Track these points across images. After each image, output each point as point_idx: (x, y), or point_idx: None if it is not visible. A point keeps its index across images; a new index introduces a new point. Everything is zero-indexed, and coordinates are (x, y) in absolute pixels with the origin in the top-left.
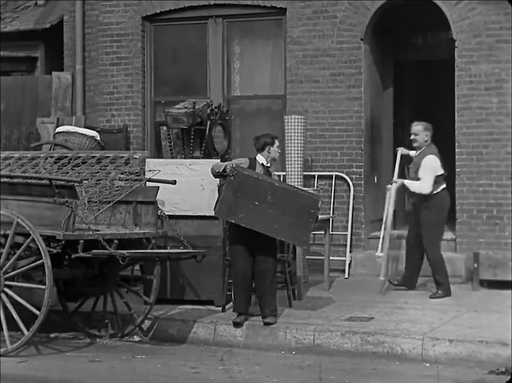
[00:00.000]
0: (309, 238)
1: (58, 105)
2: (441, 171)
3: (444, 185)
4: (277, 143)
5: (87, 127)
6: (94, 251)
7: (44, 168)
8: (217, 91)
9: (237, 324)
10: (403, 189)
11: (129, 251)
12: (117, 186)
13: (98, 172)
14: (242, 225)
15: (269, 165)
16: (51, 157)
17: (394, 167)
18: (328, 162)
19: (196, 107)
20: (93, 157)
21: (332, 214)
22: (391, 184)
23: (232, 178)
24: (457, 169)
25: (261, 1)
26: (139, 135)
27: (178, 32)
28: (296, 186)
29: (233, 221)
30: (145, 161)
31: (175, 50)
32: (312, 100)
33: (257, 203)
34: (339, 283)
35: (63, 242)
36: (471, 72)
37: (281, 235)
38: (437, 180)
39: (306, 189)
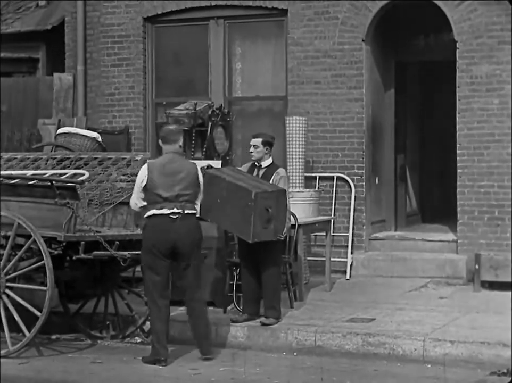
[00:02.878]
0: (253, 231)
1: (60, 106)
2: None
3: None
4: (251, 141)
5: (88, 129)
6: (95, 252)
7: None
8: (218, 92)
9: (234, 321)
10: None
11: (130, 252)
12: (119, 188)
13: (100, 173)
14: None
15: (261, 164)
16: (53, 158)
17: (395, 169)
18: (329, 163)
19: (197, 108)
20: (94, 158)
21: (334, 215)
22: None
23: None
24: (458, 171)
25: (262, 2)
26: (141, 136)
27: (179, 33)
28: (260, 180)
29: (209, 220)
30: (145, 162)
31: (176, 51)
32: (313, 101)
33: (219, 200)
34: (340, 284)
35: (64, 243)
36: (472, 73)
37: (234, 230)
38: None
39: (268, 183)
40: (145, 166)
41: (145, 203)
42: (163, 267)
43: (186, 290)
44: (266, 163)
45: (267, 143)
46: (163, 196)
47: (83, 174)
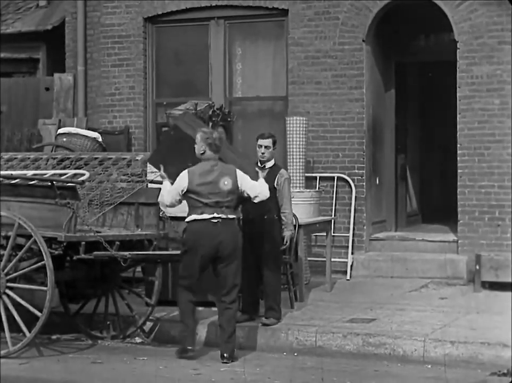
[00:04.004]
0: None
1: (60, 106)
2: None
3: None
4: (261, 142)
5: (89, 129)
6: (95, 253)
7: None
8: (219, 92)
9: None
10: None
11: (130, 252)
12: (119, 188)
13: (100, 173)
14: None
15: (265, 165)
16: (54, 158)
17: (396, 169)
18: (329, 163)
19: (197, 109)
20: (95, 158)
21: (334, 216)
22: None
23: (172, 132)
24: (459, 171)
25: (262, 3)
26: (141, 136)
27: (179, 34)
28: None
29: (161, 171)
30: (146, 162)
31: (177, 52)
32: (313, 102)
33: (190, 164)
34: (341, 284)
35: (65, 243)
36: (473, 73)
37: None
38: None
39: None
40: (185, 174)
41: (178, 203)
42: (198, 267)
43: (222, 289)
44: (270, 163)
45: (275, 143)
46: (203, 202)
47: (83, 174)
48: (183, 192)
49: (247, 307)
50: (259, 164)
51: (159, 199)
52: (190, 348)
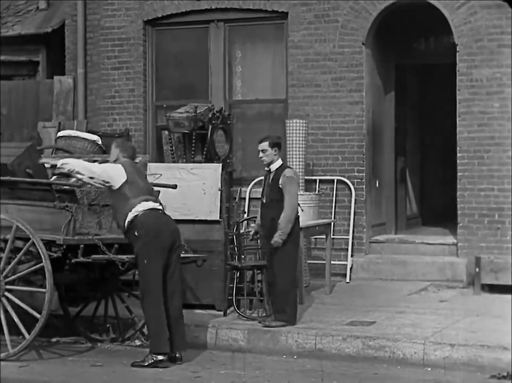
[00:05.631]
0: None
1: (60, 109)
2: None
3: None
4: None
5: (89, 132)
6: (93, 256)
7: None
8: (218, 95)
9: (266, 326)
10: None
11: (128, 256)
12: None
13: None
14: None
15: (270, 168)
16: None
17: (396, 172)
18: (329, 166)
19: (197, 111)
20: (95, 161)
21: (334, 218)
22: None
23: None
24: (458, 174)
25: (262, 5)
26: (141, 139)
27: (179, 36)
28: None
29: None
30: (146, 165)
31: (176, 54)
32: (313, 105)
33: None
34: (340, 287)
35: (64, 246)
36: (473, 76)
37: None
38: None
39: None
40: (117, 163)
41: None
42: (164, 259)
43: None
44: (275, 165)
45: (275, 145)
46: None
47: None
48: (116, 180)
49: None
50: (266, 168)
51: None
52: (162, 358)
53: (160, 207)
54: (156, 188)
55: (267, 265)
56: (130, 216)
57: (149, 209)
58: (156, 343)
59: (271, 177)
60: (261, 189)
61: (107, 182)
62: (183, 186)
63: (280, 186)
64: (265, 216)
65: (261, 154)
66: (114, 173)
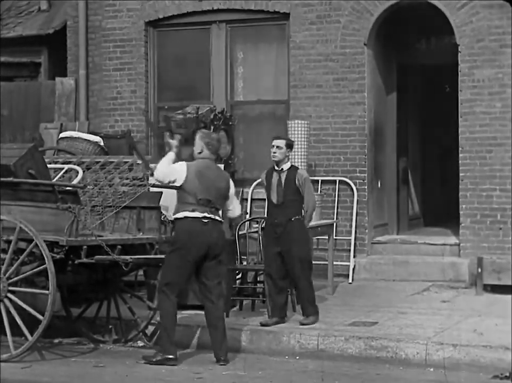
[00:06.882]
0: None
1: (62, 110)
2: None
3: None
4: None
5: (91, 133)
6: (97, 257)
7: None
8: (220, 96)
9: (264, 325)
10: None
11: (132, 256)
12: (121, 192)
13: (102, 178)
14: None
15: (282, 168)
16: (55, 162)
17: (398, 172)
18: (331, 167)
19: (199, 112)
20: (97, 162)
21: (336, 219)
22: None
23: None
24: (461, 174)
25: (264, 6)
26: (143, 140)
27: (181, 37)
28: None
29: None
30: (148, 166)
31: (178, 55)
32: (315, 105)
33: None
34: (342, 288)
35: (66, 247)
36: (475, 76)
37: None
38: None
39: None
40: (184, 163)
41: (166, 179)
42: (188, 268)
43: (209, 292)
44: (286, 166)
45: (289, 146)
46: (196, 198)
47: (77, 171)
48: (175, 181)
49: (275, 310)
50: (275, 166)
51: (157, 171)
52: (172, 357)
53: (207, 216)
54: (158, 189)
55: (288, 267)
56: (172, 218)
57: (190, 217)
58: (167, 347)
59: (283, 177)
60: (262, 190)
61: (172, 182)
62: None
63: (298, 186)
64: (280, 216)
65: (274, 149)
66: (173, 175)
